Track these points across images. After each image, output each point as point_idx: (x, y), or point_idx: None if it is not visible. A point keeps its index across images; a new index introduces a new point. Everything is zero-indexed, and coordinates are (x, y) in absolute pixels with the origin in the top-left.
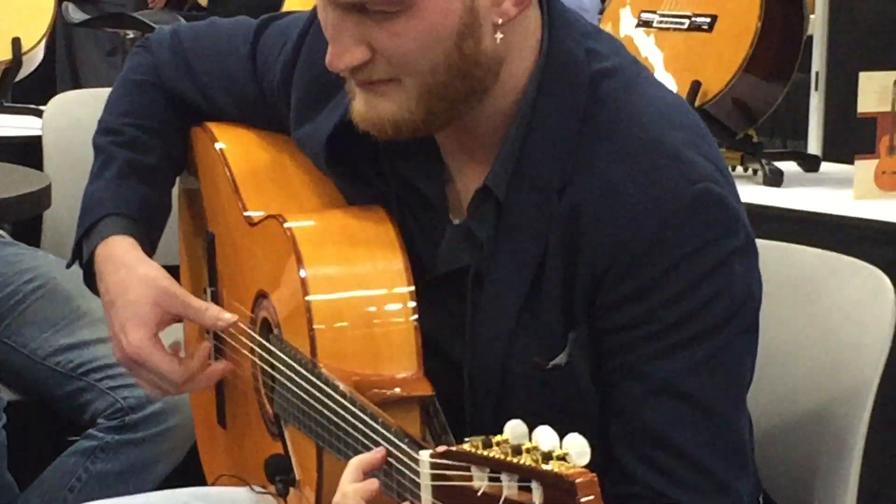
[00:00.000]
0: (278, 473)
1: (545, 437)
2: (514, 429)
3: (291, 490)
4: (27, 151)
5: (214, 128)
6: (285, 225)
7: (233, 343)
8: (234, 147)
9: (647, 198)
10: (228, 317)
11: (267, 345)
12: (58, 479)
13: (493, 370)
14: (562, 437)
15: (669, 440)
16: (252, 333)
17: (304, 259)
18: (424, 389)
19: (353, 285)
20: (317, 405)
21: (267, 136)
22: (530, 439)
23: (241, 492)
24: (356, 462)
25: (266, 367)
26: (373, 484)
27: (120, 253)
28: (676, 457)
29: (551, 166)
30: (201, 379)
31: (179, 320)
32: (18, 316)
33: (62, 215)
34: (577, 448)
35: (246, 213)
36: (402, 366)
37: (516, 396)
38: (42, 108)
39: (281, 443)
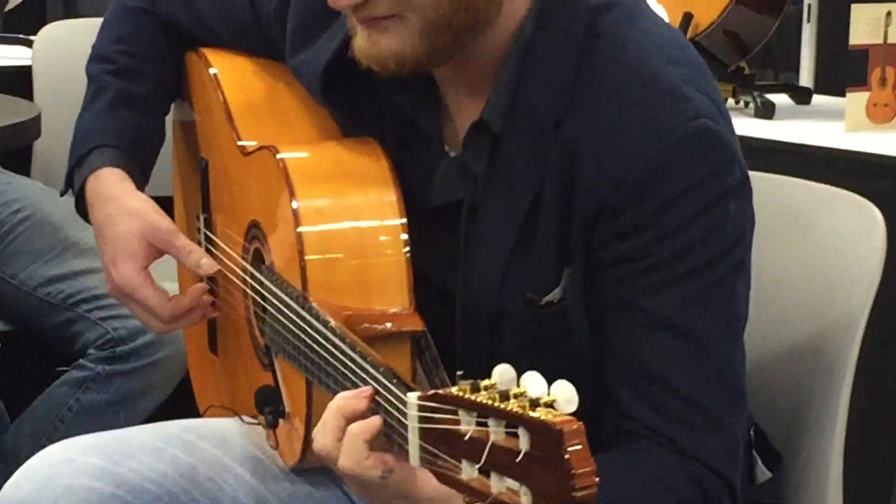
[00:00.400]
0: (268, 405)
1: (533, 383)
2: (503, 373)
3: (281, 422)
4: (17, 82)
5: (209, 53)
6: (278, 156)
7: (225, 272)
8: (228, 73)
9: (643, 133)
10: (207, 263)
11: (259, 276)
12: (48, 409)
13: (485, 305)
14: (550, 383)
15: (664, 376)
16: (245, 264)
17: (296, 191)
18: (415, 325)
19: (345, 217)
20: (307, 340)
21: (262, 64)
22: (518, 384)
23: (230, 423)
24: (337, 405)
25: (257, 297)
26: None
27: (109, 185)
28: (670, 392)
29: (547, 100)
30: (191, 318)
31: (162, 255)
32: (6, 246)
33: (52, 146)
34: (565, 395)
35: (240, 143)
36: (393, 300)
37: (508, 332)
38: (32, 38)
39: (271, 374)
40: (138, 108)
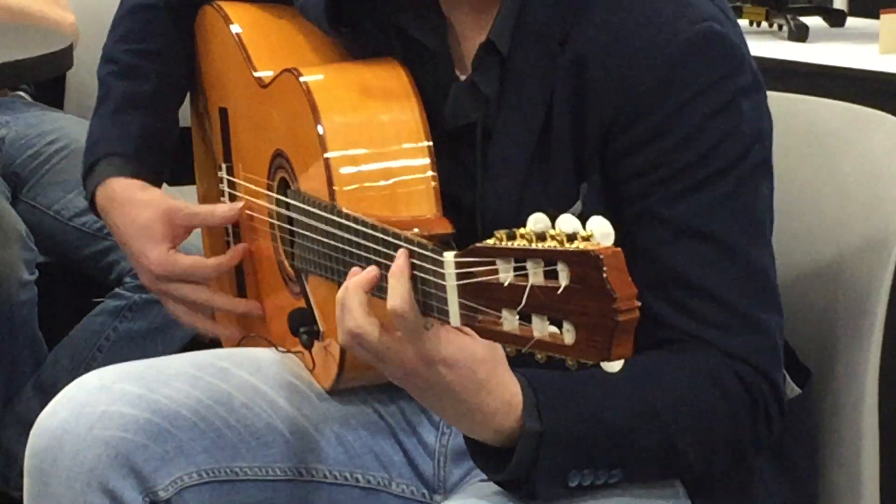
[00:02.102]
0: (302, 325)
1: (567, 222)
2: (537, 219)
3: (316, 343)
4: None
5: (224, 4)
6: (301, 79)
7: (250, 213)
8: (242, 19)
9: (649, 40)
10: (235, 204)
11: (285, 199)
12: (86, 339)
13: (505, 224)
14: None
15: (694, 281)
16: (269, 195)
17: (321, 111)
18: (444, 228)
19: (372, 138)
20: (338, 244)
21: (272, 8)
22: (553, 227)
23: (265, 352)
24: (351, 283)
25: (284, 223)
26: (369, 272)
27: (119, 192)
28: (703, 297)
29: (552, 16)
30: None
31: (190, 232)
32: (42, 177)
33: (85, 77)
34: (602, 229)
35: (256, 75)
36: (421, 210)
37: None
38: None
39: (303, 298)
40: (144, 109)
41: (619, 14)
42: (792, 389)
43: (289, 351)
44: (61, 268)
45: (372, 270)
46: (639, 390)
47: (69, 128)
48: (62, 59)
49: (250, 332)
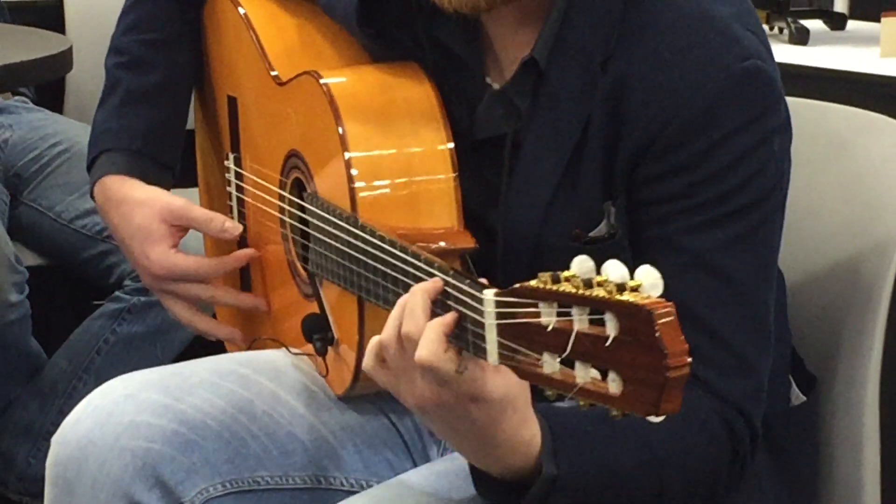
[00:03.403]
0: (316, 332)
1: (615, 269)
2: (582, 264)
3: (329, 349)
4: (49, 15)
5: None
6: (321, 81)
7: (258, 207)
8: (257, 10)
9: (696, 72)
10: (231, 225)
11: (301, 203)
12: (85, 341)
13: (527, 240)
14: (632, 271)
15: (700, 317)
16: (284, 194)
17: (342, 115)
18: (467, 242)
19: (393, 141)
20: (361, 257)
21: (290, 1)
22: (599, 273)
23: (280, 355)
24: (420, 287)
25: (298, 225)
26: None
27: (115, 189)
28: (706, 334)
29: (595, 37)
30: (236, 264)
31: (187, 230)
32: (44, 179)
33: (84, 80)
34: (650, 279)
35: (273, 73)
36: (442, 220)
37: (549, 268)
38: None
39: (317, 303)
40: (150, 101)
41: (664, 41)
42: (797, 397)
43: (301, 353)
44: (61, 270)
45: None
46: (643, 437)
47: (71, 131)
48: (62, 61)
49: (254, 334)
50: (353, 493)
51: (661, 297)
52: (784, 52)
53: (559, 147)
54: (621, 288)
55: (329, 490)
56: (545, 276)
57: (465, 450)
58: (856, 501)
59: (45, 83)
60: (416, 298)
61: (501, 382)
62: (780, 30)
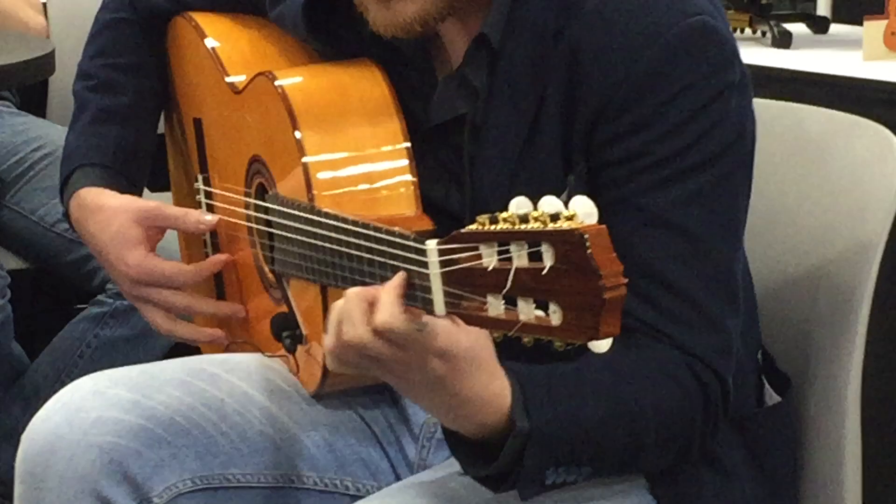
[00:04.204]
0: (285, 330)
1: (550, 203)
2: (519, 203)
3: (299, 347)
4: None
5: (196, 15)
6: (276, 83)
7: (228, 220)
8: (214, 30)
9: (643, 32)
10: (210, 218)
11: (263, 203)
12: (68, 345)
13: None
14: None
15: (662, 274)
16: (247, 201)
17: (298, 117)
18: (425, 225)
19: (349, 141)
20: (317, 241)
21: (246, 19)
22: (535, 209)
23: (253, 357)
24: (354, 293)
25: (263, 227)
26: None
27: (90, 200)
28: (669, 291)
29: (545, 10)
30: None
31: (163, 233)
32: (27, 183)
33: (68, 83)
34: (585, 208)
35: (228, 80)
36: (400, 210)
37: None
38: None
39: (285, 303)
40: (119, 122)
41: (612, 5)
42: (771, 397)
43: (275, 356)
44: (44, 274)
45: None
46: (615, 388)
47: (54, 135)
48: (44, 64)
49: (231, 339)
50: (326, 492)
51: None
52: (767, 56)
53: (518, 123)
54: (555, 218)
55: (301, 489)
56: (483, 217)
57: (437, 409)
58: (838, 501)
59: (29, 87)
60: (347, 303)
61: (464, 337)
62: (763, 33)
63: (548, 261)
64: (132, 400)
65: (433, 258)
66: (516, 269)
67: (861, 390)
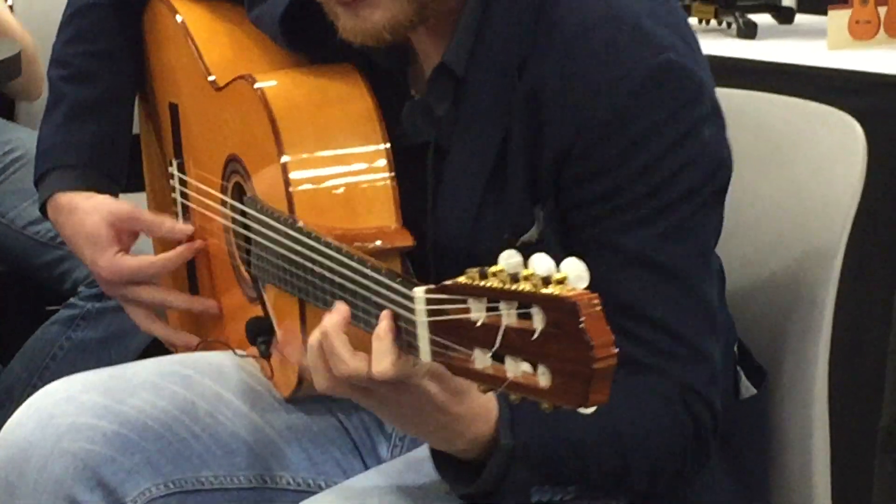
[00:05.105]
0: (260, 335)
1: (541, 263)
2: (509, 258)
3: (273, 352)
4: None
5: (174, 0)
6: (255, 86)
7: (202, 212)
8: (194, 17)
9: (607, 73)
10: (181, 227)
11: (242, 207)
12: (40, 347)
13: (459, 247)
14: (558, 263)
15: (643, 311)
16: (224, 198)
17: (277, 119)
18: (405, 240)
19: (328, 143)
20: (299, 259)
21: (226, 8)
22: (526, 267)
23: (225, 357)
24: (321, 332)
25: (240, 229)
26: (343, 312)
27: (65, 202)
28: (651, 326)
29: (509, 42)
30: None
31: (137, 236)
32: None
33: None
34: (576, 271)
35: (210, 78)
36: (380, 221)
37: (481, 263)
38: None
39: (260, 306)
40: (95, 115)
41: (578, 44)
42: (747, 389)
43: (247, 355)
44: (16, 277)
45: (342, 308)
46: (604, 414)
47: (25, 138)
48: (10, 66)
49: (206, 337)
50: (301, 492)
51: (587, 289)
52: (732, 47)
53: (483, 153)
54: (547, 281)
55: (276, 490)
56: (473, 272)
57: (426, 430)
58: (806, 493)
59: None
60: (330, 340)
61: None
62: (729, 24)
63: (538, 324)
64: (104, 405)
65: (420, 306)
66: (506, 327)
67: (828, 381)
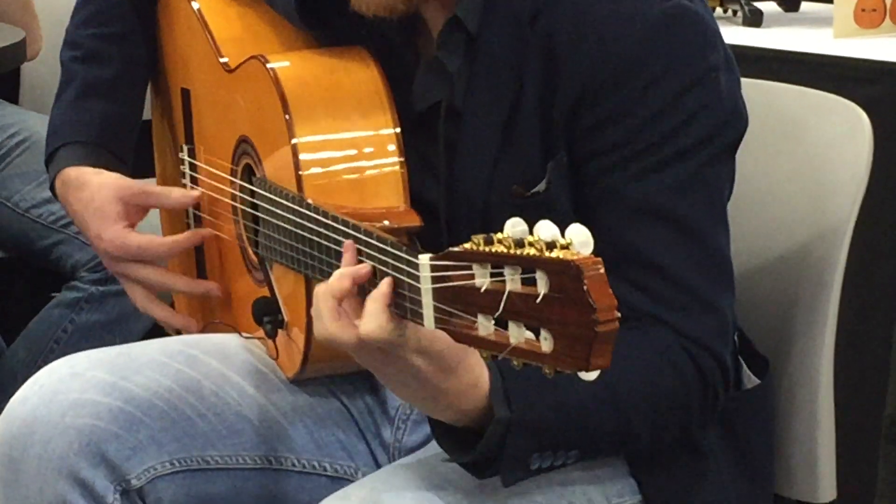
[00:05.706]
0: (266, 315)
1: (546, 228)
2: (515, 224)
3: (279, 332)
4: None
5: None
6: (268, 66)
7: (212, 196)
8: (209, 2)
9: (618, 18)
10: (191, 194)
11: (250, 187)
12: (43, 330)
13: (473, 204)
14: (564, 226)
15: (654, 261)
16: (234, 180)
17: (289, 100)
18: (412, 220)
19: (339, 126)
20: (305, 234)
21: None
22: (531, 233)
23: (231, 338)
24: (323, 289)
25: (249, 209)
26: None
27: (75, 177)
28: (661, 277)
29: None
30: (190, 243)
31: (146, 212)
32: (3, 169)
33: (40, 70)
34: (581, 237)
35: (223, 60)
36: (388, 201)
37: (495, 230)
38: None
39: (267, 287)
40: (106, 95)
41: None
42: (750, 379)
43: (252, 337)
44: (19, 261)
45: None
46: (603, 374)
47: (28, 121)
48: (16, 52)
49: (210, 319)
50: (305, 473)
51: (592, 254)
52: (738, 34)
53: (498, 109)
54: (551, 246)
55: (280, 470)
56: (478, 238)
57: (415, 399)
58: (811, 482)
59: (1, 75)
60: (319, 301)
61: (439, 333)
62: (734, 12)
63: (542, 288)
64: (110, 382)
65: (425, 273)
66: (510, 292)
67: (833, 370)
